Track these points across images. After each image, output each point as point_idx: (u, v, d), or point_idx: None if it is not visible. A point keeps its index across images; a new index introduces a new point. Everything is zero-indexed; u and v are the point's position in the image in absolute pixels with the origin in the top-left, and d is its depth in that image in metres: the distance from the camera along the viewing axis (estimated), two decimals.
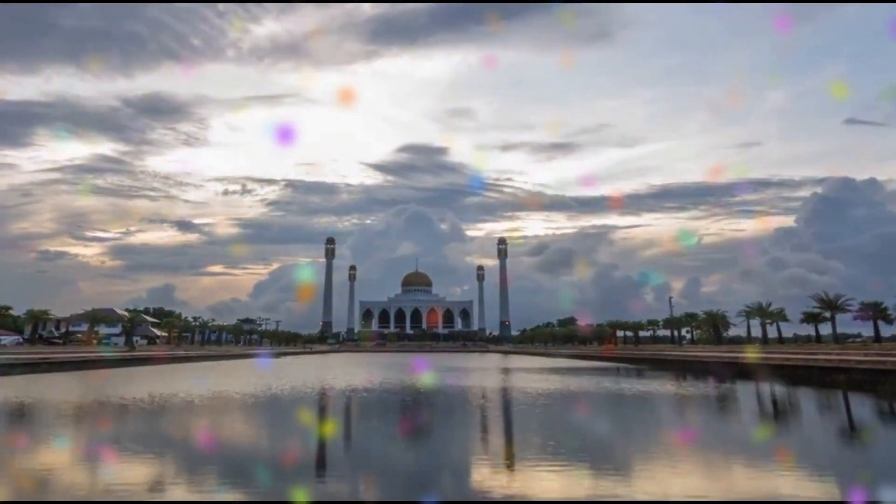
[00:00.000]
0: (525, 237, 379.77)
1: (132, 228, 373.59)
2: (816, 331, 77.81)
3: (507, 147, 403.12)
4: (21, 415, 20.21)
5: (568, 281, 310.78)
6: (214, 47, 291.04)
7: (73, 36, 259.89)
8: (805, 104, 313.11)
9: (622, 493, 9.36)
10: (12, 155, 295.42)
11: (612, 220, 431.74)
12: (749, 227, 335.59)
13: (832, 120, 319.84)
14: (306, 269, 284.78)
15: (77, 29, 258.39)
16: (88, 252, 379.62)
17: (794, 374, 34.20)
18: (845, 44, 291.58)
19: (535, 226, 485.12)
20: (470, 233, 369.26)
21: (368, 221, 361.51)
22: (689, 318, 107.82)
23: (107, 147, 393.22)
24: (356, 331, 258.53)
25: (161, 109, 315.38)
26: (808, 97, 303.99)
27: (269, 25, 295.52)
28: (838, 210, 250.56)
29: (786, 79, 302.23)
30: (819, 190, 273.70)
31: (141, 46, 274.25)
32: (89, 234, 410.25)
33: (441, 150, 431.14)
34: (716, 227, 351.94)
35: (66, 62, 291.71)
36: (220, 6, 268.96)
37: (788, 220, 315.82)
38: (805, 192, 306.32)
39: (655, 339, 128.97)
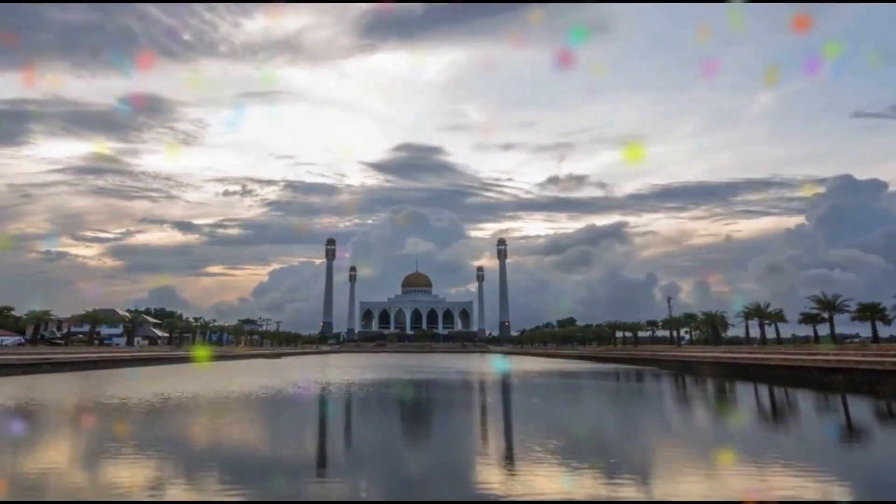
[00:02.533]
0: (526, 237, 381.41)
1: (132, 229, 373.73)
2: (815, 331, 78.26)
3: (507, 146, 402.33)
4: (30, 415, 20.46)
5: (568, 281, 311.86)
6: (206, 42, 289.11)
7: (63, 29, 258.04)
8: (803, 104, 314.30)
9: (622, 493, 9.48)
10: (8, 153, 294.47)
11: (614, 219, 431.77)
12: (751, 227, 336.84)
13: (830, 119, 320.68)
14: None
15: (66, 22, 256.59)
16: (88, 252, 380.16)
17: (791, 375, 34.48)
18: (840, 42, 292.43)
19: (536, 226, 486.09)
20: (470, 233, 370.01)
21: (370, 221, 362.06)
22: (689, 319, 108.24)
23: (104, 146, 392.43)
24: (356, 331, 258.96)
25: (157, 108, 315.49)
26: (807, 97, 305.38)
27: (261, 19, 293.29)
28: (849, 209, 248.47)
29: (781, 79, 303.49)
30: (822, 189, 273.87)
31: (132, 41, 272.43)
32: (89, 234, 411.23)
33: (441, 150, 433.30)
34: (716, 228, 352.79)
35: (59, 57, 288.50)
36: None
37: (791, 221, 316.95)
38: (804, 193, 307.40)
39: (654, 340, 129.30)
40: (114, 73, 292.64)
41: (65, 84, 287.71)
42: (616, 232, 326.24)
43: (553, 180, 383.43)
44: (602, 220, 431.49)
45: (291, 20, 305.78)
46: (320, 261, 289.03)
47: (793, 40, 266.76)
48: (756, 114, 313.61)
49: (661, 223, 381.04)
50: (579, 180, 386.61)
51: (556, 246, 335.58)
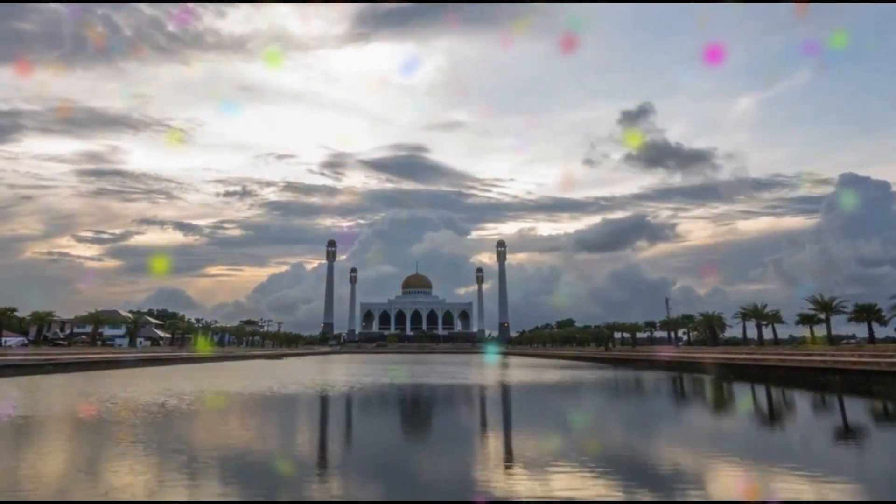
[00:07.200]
0: (527, 236, 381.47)
1: (132, 229, 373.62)
2: (811, 332, 78.99)
3: (509, 147, 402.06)
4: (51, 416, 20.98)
5: (568, 282, 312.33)
6: (192, 33, 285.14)
7: (44, 20, 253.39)
8: (802, 103, 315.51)
9: (623, 494, 9.76)
10: (7, 151, 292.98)
11: (615, 218, 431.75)
12: (753, 227, 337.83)
13: (829, 120, 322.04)
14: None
15: (48, 12, 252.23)
16: (89, 253, 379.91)
17: (788, 376, 35.22)
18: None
19: (538, 226, 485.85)
20: (470, 234, 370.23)
21: (371, 222, 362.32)
22: (687, 320, 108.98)
23: (101, 145, 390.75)
24: (357, 332, 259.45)
25: (153, 107, 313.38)
26: (805, 96, 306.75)
27: (245, 8, 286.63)
28: (860, 208, 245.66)
29: (778, 79, 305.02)
30: (826, 189, 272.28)
31: (114, 31, 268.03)
32: (90, 235, 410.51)
33: (442, 151, 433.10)
34: (715, 227, 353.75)
35: (47, 50, 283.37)
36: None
37: (792, 221, 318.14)
38: (803, 192, 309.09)
39: (652, 341, 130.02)
40: (102, 66, 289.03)
41: (57, 80, 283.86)
42: (636, 225, 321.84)
43: (515, 196, 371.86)
44: (602, 221, 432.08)
45: (281, 10, 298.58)
46: (317, 262, 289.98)
47: (789, 40, 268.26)
48: (752, 114, 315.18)
49: (664, 223, 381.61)
50: (540, 195, 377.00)
51: (557, 247, 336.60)
